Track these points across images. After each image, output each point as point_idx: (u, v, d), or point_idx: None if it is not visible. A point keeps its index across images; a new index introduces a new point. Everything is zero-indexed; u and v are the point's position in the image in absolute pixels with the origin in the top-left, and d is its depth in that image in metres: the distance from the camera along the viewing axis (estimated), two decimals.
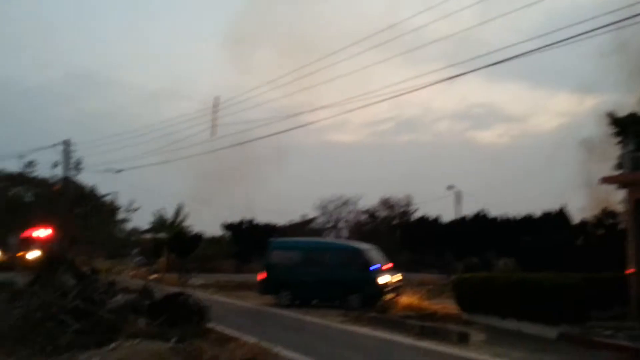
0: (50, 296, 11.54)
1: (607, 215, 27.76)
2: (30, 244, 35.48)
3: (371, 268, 20.20)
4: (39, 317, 10.95)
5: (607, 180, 18.10)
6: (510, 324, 14.54)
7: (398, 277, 21.17)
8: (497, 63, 13.68)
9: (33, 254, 33.56)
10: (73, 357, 9.03)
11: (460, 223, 32.38)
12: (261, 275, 21.71)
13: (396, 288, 20.36)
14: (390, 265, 21.16)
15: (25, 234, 37.50)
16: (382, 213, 46.43)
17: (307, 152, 75.09)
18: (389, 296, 19.39)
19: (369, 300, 19.16)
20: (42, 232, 37.47)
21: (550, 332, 13.31)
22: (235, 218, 40.17)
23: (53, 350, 9.80)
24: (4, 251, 41.36)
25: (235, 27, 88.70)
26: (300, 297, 20.61)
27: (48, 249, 33.92)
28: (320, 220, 50.85)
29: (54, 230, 35.90)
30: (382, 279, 20.06)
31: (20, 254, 35.88)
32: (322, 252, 21.52)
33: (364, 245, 22.12)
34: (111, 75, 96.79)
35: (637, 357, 10.91)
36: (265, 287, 21.47)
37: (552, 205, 30.12)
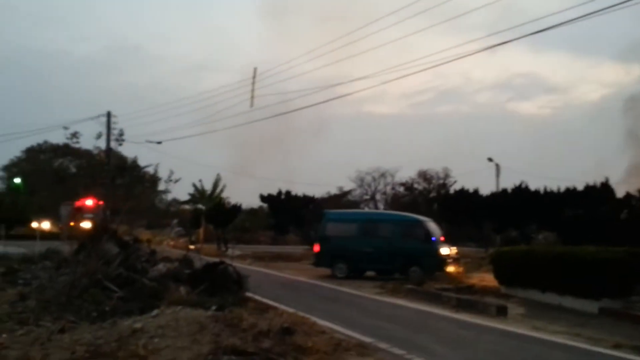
0: (95, 264, 11.85)
1: None
2: (82, 213, 35.49)
3: (433, 239, 20.30)
4: (84, 284, 11.27)
5: None
6: (550, 298, 14.36)
7: (454, 249, 21.15)
8: (539, 31, 13.28)
9: (86, 224, 32.94)
10: (117, 323, 9.29)
11: (500, 196, 31.85)
12: (315, 248, 21.67)
13: (455, 260, 20.36)
14: (444, 237, 21.18)
15: (78, 204, 37.52)
16: (420, 185, 46.12)
17: (345, 124, 74.92)
18: (450, 268, 19.29)
19: (429, 272, 19.31)
20: (92, 202, 37.39)
21: (592, 306, 13.11)
22: (273, 189, 40.44)
23: (98, 316, 10.09)
24: (55, 221, 41.35)
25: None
26: (357, 269, 20.58)
27: (97, 219, 34.81)
28: (357, 192, 50.89)
29: (102, 200, 35.56)
30: (444, 251, 20.13)
31: (72, 223, 35.66)
32: (382, 223, 21.39)
33: (422, 217, 21.97)
34: (152, 47, 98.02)
35: None
36: (320, 260, 21.37)
37: (595, 178, 29.41)
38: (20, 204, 43.70)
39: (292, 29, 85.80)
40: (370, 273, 20.89)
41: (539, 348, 9.60)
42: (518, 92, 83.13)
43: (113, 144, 28.28)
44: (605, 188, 28.74)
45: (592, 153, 65.93)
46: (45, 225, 40.86)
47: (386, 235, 20.52)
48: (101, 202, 37.25)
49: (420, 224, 20.85)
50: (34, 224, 37.66)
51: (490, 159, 38.43)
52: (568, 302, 13.80)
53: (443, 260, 19.74)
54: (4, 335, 8.93)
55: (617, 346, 9.72)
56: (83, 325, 9.41)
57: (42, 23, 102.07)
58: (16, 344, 8.44)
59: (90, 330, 8.93)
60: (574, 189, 29.55)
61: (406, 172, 56.63)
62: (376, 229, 20.95)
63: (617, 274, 12.81)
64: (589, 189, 28.84)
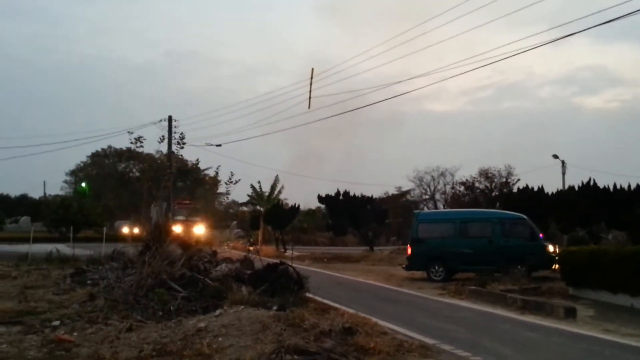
0: (159, 265, 12.17)
1: None
2: (175, 215, 35.07)
3: (540, 237, 19.94)
4: (150, 284, 11.61)
5: None
6: (622, 300, 13.74)
7: (555, 247, 20.63)
8: (604, 23, 12.73)
9: (197, 229, 33.65)
10: (182, 322, 9.49)
11: (567, 193, 30.75)
12: (408, 251, 20.91)
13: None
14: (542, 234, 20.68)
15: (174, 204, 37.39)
16: (481, 184, 45.17)
17: (404, 122, 74.27)
18: (555, 266, 18.72)
19: (537, 270, 18.95)
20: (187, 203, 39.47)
21: None
22: (331, 190, 40.51)
23: (163, 315, 10.36)
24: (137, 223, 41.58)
25: None
26: (455, 271, 20.01)
27: (191, 220, 35.46)
28: (415, 192, 50.36)
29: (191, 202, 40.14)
30: (551, 248, 19.74)
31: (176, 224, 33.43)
32: (482, 222, 20.81)
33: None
34: (209, 52, 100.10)
35: None
36: (413, 263, 20.55)
37: None
38: (87, 208, 45.38)
39: (349, 28, 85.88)
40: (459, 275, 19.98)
41: (610, 351, 9.19)
42: (583, 86, 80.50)
43: (174, 148, 28.98)
44: None
45: None
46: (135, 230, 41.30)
47: (487, 234, 19.95)
48: (193, 203, 38.44)
49: (525, 221, 20.21)
50: (125, 229, 36.59)
51: (555, 156, 37.23)
52: None
53: (552, 258, 19.08)
54: (75, 334, 9.29)
55: None
56: (149, 324, 9.68)
57: (102, 31, 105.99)
58: (86, 342, 8.76)
59: (156, 329, 9.17)
60: None
61: (466, 171, 55.77)
62: (475, 228, 20.36)
63: None
64: None
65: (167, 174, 25.50)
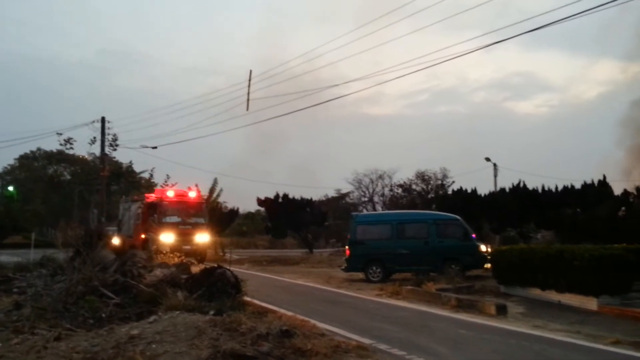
0: (90, 271, 11.79)
1: None
2: (163, 215, 26.33)
3: (473, 237, 20.41)
4: (80, 291, 11.21)
5: None
6: (550, 296, 14.33)
7: (488, 246, 21.20)
8: (534, 30, 13.33)
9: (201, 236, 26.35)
10: (114, 329, 9.20)
11: (498, 195, 31.85)
12: (347, 252, 21.06)
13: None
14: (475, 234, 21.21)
15: (156, 197, 27.82)
16: (418, 186, 46.10)
17: (342, 126, 74.91)
18: (487, 265, 19.14)
19: (469, 269, 19.46)
20: (195, 195, 28.01)
21: (591, 303, 13.06)
22: (270, 193, 40.36)
23: (94, 323, 10.02)
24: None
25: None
26: (393, 270, 20.20)
27: (205, 224, 27.20)
28: (355, 194, 50.83)
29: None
30: (483, 248, 20.27)
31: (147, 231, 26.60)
32: (418, 223, 21.05)
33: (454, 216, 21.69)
34: (146, 51, 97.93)
35: None
36: (352, 264, 20.65)
37: (592, 176, 29.43)
38: (14, 212, 43.43)
39: (287, 32, 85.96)
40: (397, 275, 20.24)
41: (539, 346, 9.54)
42: (515, 91, 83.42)
43: (107, 150, 28.12)
44: (603, 186, 28.73)
45: (590, 151, 66.01)
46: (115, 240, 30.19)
47: (423, 235, 20.27)
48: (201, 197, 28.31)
49: (459, 222, 20.73)
50: (115, 240, 28.05)
51: (487, 159, 38.52)
52: (567, 299, 13.77)
53: (484, 258, 19.64)
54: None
55: (616, 342, 9.67)
56: (79, 332, 9.33)
57: (32, 29, 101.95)
58: (11, 352, 8.35)
59: (87, 338, 8.85)
60: (572, 188, 29.55)
61: (404, 173, 56.71)
62: (411, 229, 20.65)
63: (614, 271, 12.77)
64: (587, 187, 28.83)
65: (100, 177, 24.81)
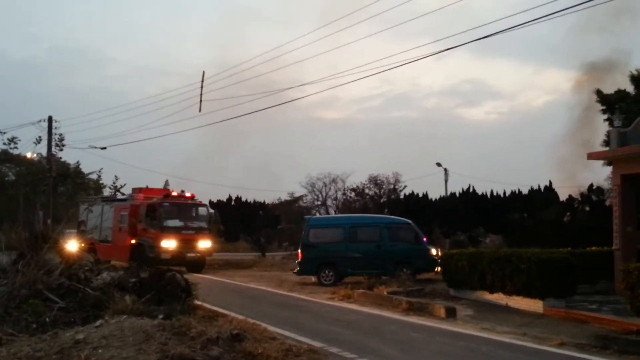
0: (35, 274, 11.38)
1: (593, 191, 27.95)
2: (158, 217, 24.46)
3: (424, 240, 20.58)
4: (23, 295, 10.81)
5: (593, 156, 18.19)
6: (498, 299, 14.64)
7: (438, 250, 21.44)
8: (482, 38, 13.64)
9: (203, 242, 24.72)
10: (58, 334, 8.91)
11: (449, 200, 32.47)
12: (300, 256, 20.91)
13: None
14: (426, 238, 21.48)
15: (143, 195, 26.19)
16: (371, 190, 46.44)
17: (296, 129, 74.96)
18: (438, 268, 19.35)
19: (420, 273, 19.73)
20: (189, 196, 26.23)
21: (537, 306, 13.41)
22: (223, 196, 39.92)
23: (38, 328, 9.69)
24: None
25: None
26: (346, 274, 20.19)
27: (213, 228, 26.42)
28: (308, 198, 50.81)
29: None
30: (433, 251, 20.45)
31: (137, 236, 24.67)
32: (370, 227, 21.11)
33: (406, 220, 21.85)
34: (97, 50, 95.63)
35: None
36: (304, 268, 20.55)
37: (539, 182, 30.31)
38: None
39: (242, 33, 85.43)
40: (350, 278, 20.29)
41: (486, 348, 9.74)
42: (466, 98, 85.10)
43: (54, 150, 27.25)
44: (549, 191, 29.63)
45: (537, 157, 67.89)
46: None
47: (375, 238, 20.36)
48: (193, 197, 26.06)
49: (410, 225, 20.91)
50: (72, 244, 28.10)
51: (439, 164, 39.22)
52: (515, 302, 14.10)
53: (435, 261, 19.89)
54: None
55: (561, 344, 9.96)
56: (22, 337, 9.00)
57: None
58: None
59: (30, 343, 8.53)
60: (519, 193, 30.37)
61: (357, 177, 57.10)
62: (363, 233, 20.73)
63: (560, 274, 13.16)
64: (533, 192, 29.67)
65: (46, 177, 24.03)
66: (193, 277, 17.05)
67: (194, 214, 25.73)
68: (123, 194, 28.42)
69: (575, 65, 79.47)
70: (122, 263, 21.93)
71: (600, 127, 26.54)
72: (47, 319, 9.98)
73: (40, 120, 29.09)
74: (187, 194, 26.27)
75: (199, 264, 25.16)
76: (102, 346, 7.98)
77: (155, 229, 24.18)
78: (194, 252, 24.52)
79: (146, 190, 27.08)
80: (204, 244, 25.10)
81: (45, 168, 26.09)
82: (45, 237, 14.51)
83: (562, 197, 29.48)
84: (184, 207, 25.53)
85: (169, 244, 23.75)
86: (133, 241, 24.78)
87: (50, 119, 29.35)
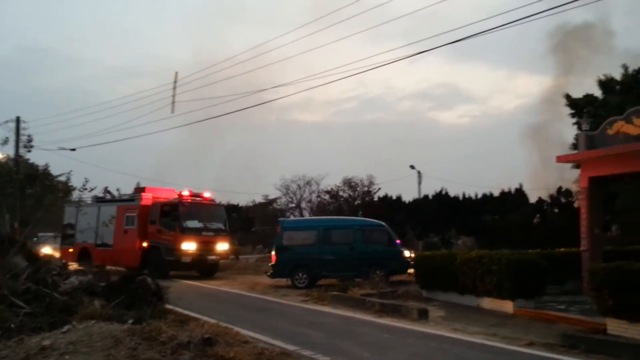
0: (0, 279, 11.13)
1: (562, 194, 28.46)
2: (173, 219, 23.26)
3: (397, 243, 20.60)
4: None
5: (562, 159, 18.48)
6: (469, 300, 14.78)
7: (411, 252, 21.59)
8: (455, 42, 13.70)
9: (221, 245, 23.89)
10: (24, 340, 8.71)
11: (422, 202, 32.76)
12: (273, 258, 20.77)
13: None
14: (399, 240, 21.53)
15: (150, 196, 24.85)
16: (345, 193, 46.53)
17: (271, 131, 74.73)
18: (410, 270, 19.45)
19: (393, 275, 19.74)
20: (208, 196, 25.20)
21: (507, 307, 13.57)
22: None
23: (3, 334, 9.45)
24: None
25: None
26: (319, 276, 20.16)
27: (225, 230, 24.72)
28: (282, 200, 50.68)
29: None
30: (407, 253, 20.55)
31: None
32: (344, 229, 21.09)
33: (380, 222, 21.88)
34: (67, 50, 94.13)
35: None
36: (278, 271, 20.44)
37: (510, 185, 30.81)
38: None
39: (215, 34, 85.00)
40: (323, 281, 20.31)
41: (458, 349, 9.81)
42: (438, 102, 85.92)
43: (22, 151, 26.68)
44: (520, 194, 30.08)
45: (508, 161, 68.92)
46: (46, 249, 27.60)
47: (348, 241, 20.37)
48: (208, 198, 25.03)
49: (383, 228, 20.96)
50: (48, 249, 25.92)
51: (412, 167, 39.46)
52: (485, 303, 14.25)
53: (408, 263, 20.05)
54: None
55: (530, 344, 10.09)
56: None
57: None
58: None
59: None
60: (491, 195, 30.82)
61: (332, 180, 57.06)
62: (337, 235, 20.69)
63: (529, 275, 13.34)
64: (505, 195, 30.12)
65: (13, 179, 23.49)
66: (164, 280, 16.87)
67: (212, 215, 24.90)
68: (124, 194, 27.66)
69: (547, 69, 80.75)
70: (119, 269, 21.58)
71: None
72: (12, 325, 9.73)
73: (7, 121, 28.48)
74: (206, 195, 25.41)
75: (214, 267, 24.61)
76: (70, 352, 7.83)
77: (174, 230, 23.10)
78: (214, 255, 23.91)
79: (151, 189, 25.95)
80: (222, 246, 24.39)
81: (13, 170, 25.52)
82: (12, 241, 14.22)
83: (533, 199, 30.02)
84: (203, 207, 24.57)
85: (189, 246, 22.88)
86: (145, 244, 23.68)
87: (17, 120, 28.75)
